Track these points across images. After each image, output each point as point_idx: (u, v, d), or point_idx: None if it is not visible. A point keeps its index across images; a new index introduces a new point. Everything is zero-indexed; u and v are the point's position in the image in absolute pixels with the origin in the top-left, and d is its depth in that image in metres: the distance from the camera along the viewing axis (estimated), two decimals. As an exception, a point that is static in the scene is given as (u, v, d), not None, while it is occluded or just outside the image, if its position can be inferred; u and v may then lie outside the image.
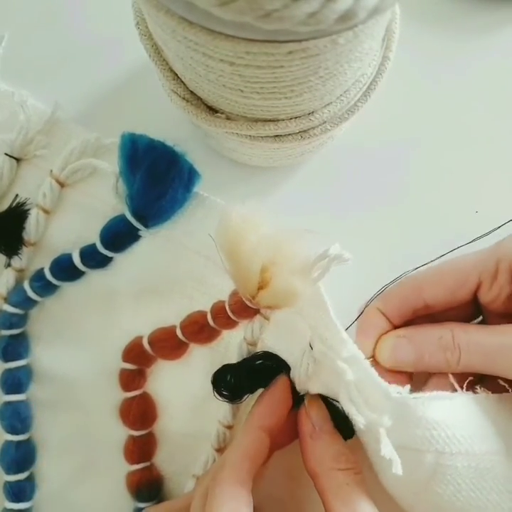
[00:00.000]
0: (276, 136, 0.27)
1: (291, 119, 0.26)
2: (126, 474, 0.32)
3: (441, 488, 0.24)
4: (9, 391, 0.33)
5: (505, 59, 0.35)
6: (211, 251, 0.30)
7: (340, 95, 0.26)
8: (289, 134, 0.27)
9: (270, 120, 0.26)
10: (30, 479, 0.33)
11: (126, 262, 0.33)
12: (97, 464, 0.33)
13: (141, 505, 0.32)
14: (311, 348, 0.26)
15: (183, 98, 0.27)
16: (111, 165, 0.32)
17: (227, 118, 0.26)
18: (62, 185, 0.33)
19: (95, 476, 0.33)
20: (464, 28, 0.35)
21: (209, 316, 0.30)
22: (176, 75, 0.26)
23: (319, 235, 0.24)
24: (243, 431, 0.26)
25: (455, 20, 0.35)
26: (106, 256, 0.32)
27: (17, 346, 0.33)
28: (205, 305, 0.31)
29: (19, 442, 0.32)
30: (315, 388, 0.27)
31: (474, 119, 0.34)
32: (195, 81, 0.24)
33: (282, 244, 0.25)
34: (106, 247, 0.32)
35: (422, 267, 0.28)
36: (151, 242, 0.32)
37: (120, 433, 0.32)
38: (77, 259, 0.32)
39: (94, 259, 0.32)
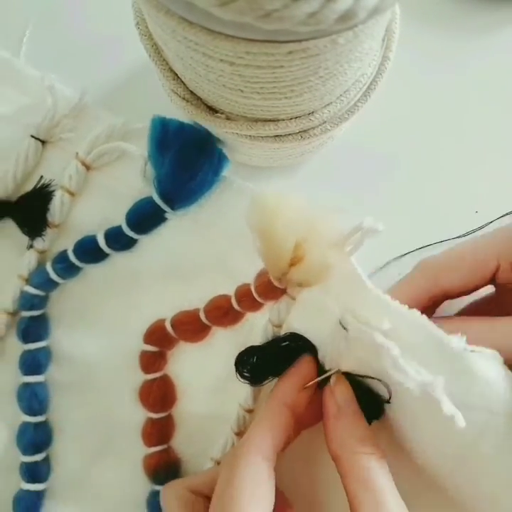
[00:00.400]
0: (277, 136, 0.27)
1: (291, 119, 0.26)
2: (143, 457, 0.32)
3: (486, 449, 0.24)
4: (28, 372, 0.33)
5: (506, 59, 0.35)
6: (237, 234, 0.31)
7: (340, 95, 0.26)
8: (289, 134, 0.27)
9: (270, 120, 0.26)
10: (47, 461, 0.33)
11: (151, 245, 0.33)
12: (115, 447, 0.33)
13: (158, 488, 0.32)
14: (343, 327, 0.26)
15: (183, 98, 0.27)
16: (138, 149, 0.32)
17: (227, 118, 0.26)
18: (87, 168, 0.33)
19: (112, 459, 0.33)
20: (464, 28, 0.35)
21: (233, 300, 0.30)
22: (176, 75, 0.26)
23: (347, 213, 0.25)
24: (266, 406, 0.26)
25: (455, 20, 0.35)
26: (131, 238, 0.32)
27: (37, 328, 0.33)
28: (229, 289, 0.31)
29: (37, 424, 0.32)
30: (348, 365, 0.26)
31: (474, 119, 0.34)
32: (195, 81, 0.24)
33: (315, 221, 0.26)
34: (132, 229, 0.32)
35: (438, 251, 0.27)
36: (177, 225, 0.32)
37: (138, 415, 0.33)
38: (102, 241, 0.32)
39: (119, 241, 0.32)
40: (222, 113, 0.27)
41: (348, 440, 0.24)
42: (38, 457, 0.32)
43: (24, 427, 0.32)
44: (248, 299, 0.30)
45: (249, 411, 0.31)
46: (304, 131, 0.27)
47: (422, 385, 0.23)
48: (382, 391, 0.25)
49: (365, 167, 0.34)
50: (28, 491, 0.32)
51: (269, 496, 0.23)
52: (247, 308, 0.30)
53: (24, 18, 0.36)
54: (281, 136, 0.27)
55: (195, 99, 0.27)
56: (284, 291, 0.29)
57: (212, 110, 0.27)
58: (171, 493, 0.27)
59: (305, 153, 0.32)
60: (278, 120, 0.26)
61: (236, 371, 0.29)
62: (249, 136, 0.27)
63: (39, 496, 0.32)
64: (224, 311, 0.31)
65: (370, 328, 0.24)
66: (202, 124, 0.28)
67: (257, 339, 0.30)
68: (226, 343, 0.32)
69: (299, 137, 0.27)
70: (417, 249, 0.32)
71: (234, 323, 0.31)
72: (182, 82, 0.26)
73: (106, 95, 0.35)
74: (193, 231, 0.32)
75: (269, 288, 0.29)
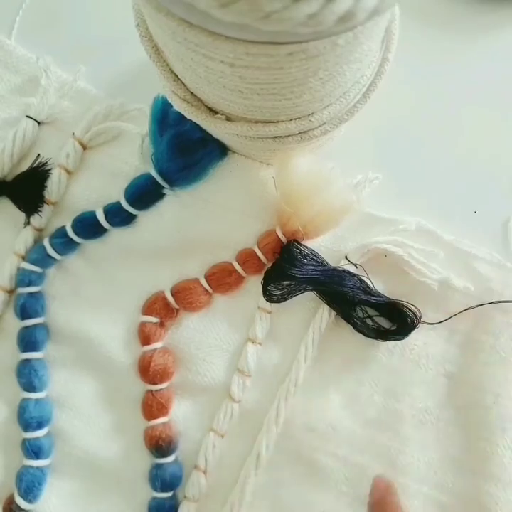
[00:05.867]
0: (276, 137, 0.27)
1: (290, 120, 0.26)
2: (144, 430, 0.32)
3: (483, 337, 0.31)
4: (26, 349, 0.33)
5: (505, 60, 0.35)
6: (234, 206, 0.32)
7: (340, 96, 0.26)
8: (289, 135, 0.27)
9: (270, 121, 0.26)
10: (49, 437, 0.33)
11: (149, 221, 0.33)
12: (116, 421, 0.33)
13: (160, 461, 0.32)
14: (350, 262, 0.31)
15: (184, 99, 0.27)
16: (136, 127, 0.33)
17: (227, 119, 0.26)
18: (84, 147, 0.34)
19: (113, 433, 0.33)
20: (463, 29, 0.35)
21: (235, 264, 0.32)
22: (176, 76, 0.26)
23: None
24: None
25: (454, 21, 0.36)
26: (130, 213, 0.33)
27: (34, 304, 0.33)
28: (227, 258, 0.32)
29: (37, 400, 0.33)
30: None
31: (474, 120, 0.34)
32: (196, 82, 0.24)
33: (331, 179, 0.30)
34: (131, 204, 0.32)
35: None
36: (175, 200, 0.33)
37: (138, 388, 0.33)
38: (101, 216, 0.32)
39: (118, 216, 0.33)
40: (222, 114, 0.27)
41: None
42: (40, 433, 0.32)
43: (25, 404, 0.32)
44: (252, 260, 0.32)
45: (248, 376, 0.32)
46: (304, 132, 0.27)
47: (441, 280, 0.31)
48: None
49: (363, 168, 0.34)
50: (30, 467, 0.32)
51: None
52: (250, 270, 0.32)
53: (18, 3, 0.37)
54: (280, 137, 0.27)
55: (195, 100, 0.27)
56: None
57: (212, 111, 0.27)
58: None
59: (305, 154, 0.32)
60: (278, 121, 0.26)
61: (265, 296, 0.31)
62: (249, 137, 0.27)
63: (42, 471, 0.32)
64: (227, 273, 0.32)
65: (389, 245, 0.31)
66: (202, 125, 0.28)
67: (254, 302, 0.32)
68: (225, 313, 0.33)
69: (299, 138, 0.27)
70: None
71: (235, 287, 0.32)
72: (182, 83, 0.26)
73: (105, 96, 0.35)
74: (191, 205, 0.33)
75: (277, 246, 0.31)
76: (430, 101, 0.35)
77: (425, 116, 0.34)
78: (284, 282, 0.30)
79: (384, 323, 0.31)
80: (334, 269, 0.31)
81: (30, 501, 0.32)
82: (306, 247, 0.31)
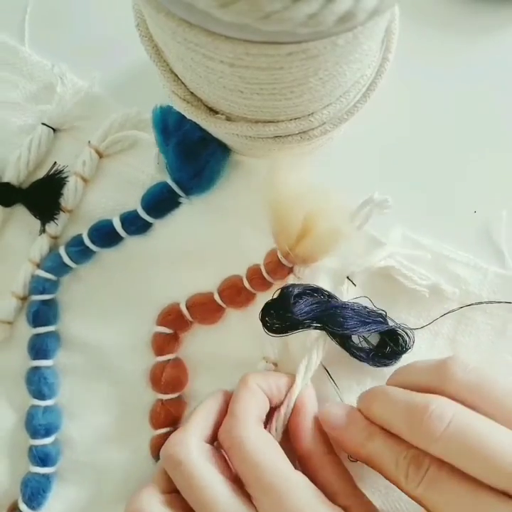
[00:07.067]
0: (276, 137, 0.27)
1: (290, 120, 0.26)
2: (151, 439, 0.32)
3: (465, 339, 0.31)
4: (37, 356, 0.33)
5: (506, 60, 0.35)
6: (248, 213, 0.32)
7: (340, 96, 0.26)
8: (289, 135, 0.27)
9: (270, 121, 0.26)
10: (56, 444, 0.33)
11: (164, 229, 0.33)
12: (124, 430, 0.33)
13: None
14: (350, 281, 0.30)
15: (184, 99, 0.27)
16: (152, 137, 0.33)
17: (228, 119, 0.27)
18: (100, 155, 0.34)
19: (121, 442, 0.33)
20: (463, 29, 0.35)
21: (244, 279, 0.31)
22: (177, 76, 0.26)
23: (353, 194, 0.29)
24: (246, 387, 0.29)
25: (454, 21, 0.36)
26: (146, 221, 0.33)
27: (47, 312, 0.33)
28: (240, 269, 0.32)
29: (46, 407, 0.33)
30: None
31: (474, 120, 0.34)
32: (196, 82, 0.25)
33: (324, 197, 0.28)
34: (147, 213, 0.32)
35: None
36: (190, 208, 0.33)
37: (149, 398, 0.33)
38: (117, 225, 0.32)
39: (134, 224, 0.33)
40: (222, 114, 0.27)
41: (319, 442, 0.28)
42: (47, 441, 0.32)
43: (33, 411, 0.32)
44: (258, 278, 0.31)
45: None
46: (304, 132, 0.27)
47: (430, 286, 0.30)
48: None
49: (363, 168, 0.34)
50: (36, 474, 0.32)
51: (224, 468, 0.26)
52: (257, 288, 0.31)
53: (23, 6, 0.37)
54: (281, 137, 0.27)
55: (195, 100, 0.27)
56: (291, 270, 0.31)
57: (212, 111, 0.27)
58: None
59: (304, 154, 0.32)
60: (278, 121, 0.26)
61: (264, 327, 0.30)
62: (249, 137, 0.27)
63: (48, 479, 0.32)
64: (237, 290, 0.32)
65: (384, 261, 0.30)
66: (202, 125, 0.28)
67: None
68: (239, 327, 0.33)
69: (299, 138, 0.27)
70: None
71: (247, 303, 0.32)
72: (182, 83, 0.26)
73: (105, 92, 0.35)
74: (206, 213, 0.33)
75: (277, 266, 0.30)
76: (430, 100, 0.35)
77: (424, 115, 0.34)
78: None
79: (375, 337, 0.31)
80: (334, 307, 0.29)
81: (33, 508, 0.31)
82: (300, 286, 0.30)
